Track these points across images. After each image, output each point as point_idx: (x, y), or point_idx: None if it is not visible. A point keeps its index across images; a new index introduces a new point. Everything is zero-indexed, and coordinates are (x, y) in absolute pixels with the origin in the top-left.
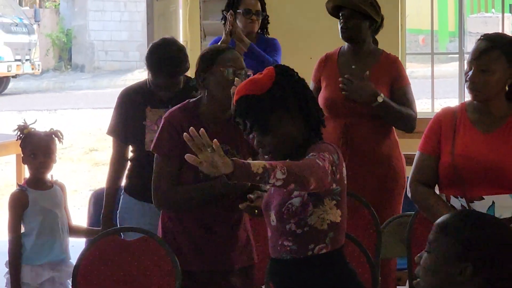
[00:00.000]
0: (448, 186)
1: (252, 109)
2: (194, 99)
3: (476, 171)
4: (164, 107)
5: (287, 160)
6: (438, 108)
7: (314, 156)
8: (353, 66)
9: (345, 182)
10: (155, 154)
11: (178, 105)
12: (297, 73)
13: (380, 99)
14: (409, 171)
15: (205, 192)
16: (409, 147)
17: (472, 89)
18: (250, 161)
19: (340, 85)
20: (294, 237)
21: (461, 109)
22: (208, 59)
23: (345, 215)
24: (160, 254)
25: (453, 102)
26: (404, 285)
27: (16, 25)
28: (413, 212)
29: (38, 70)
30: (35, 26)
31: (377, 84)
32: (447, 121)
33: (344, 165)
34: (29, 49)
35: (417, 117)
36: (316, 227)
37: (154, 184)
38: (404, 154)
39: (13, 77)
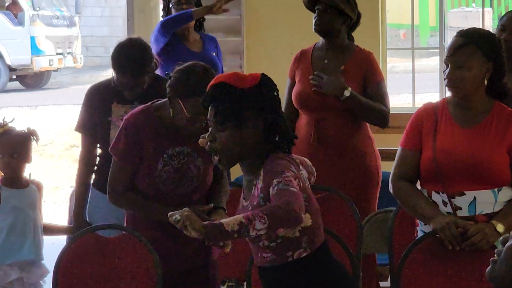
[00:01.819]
0: (429, 182)
1: (225, 97)
2: (159, 101)
3: (457, 167)
4: (130, 103)
5: (267, 204)
6: (419, 102)
7: (280, 183)
8: (326, 61)
9: (307, 183)
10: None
11: (141, 107)
12: (278, 90)
13: (347, 93)
14: (384, 166)
15: (147, 213)
16: (385, 142)
17: (450, 86)
18: (224, 220)
19: (311, 81)
20: (270, 250)
21: (442, 104)
22: (189, 91)
23: (316, 214)
24: (141, 251)
25: (434, 96)
26: (386, 280)
27: (57, 18)
28: (394, 208)
29: (80, 63)
30: (76, 18)
31: (350, 79)
32: (429, 116)
33: (301, 167)
34: (71, 42)
35: (398, 112)
36: (288, 236)
37: (109, 183)
38: (379, 149)
39: (54, 71)
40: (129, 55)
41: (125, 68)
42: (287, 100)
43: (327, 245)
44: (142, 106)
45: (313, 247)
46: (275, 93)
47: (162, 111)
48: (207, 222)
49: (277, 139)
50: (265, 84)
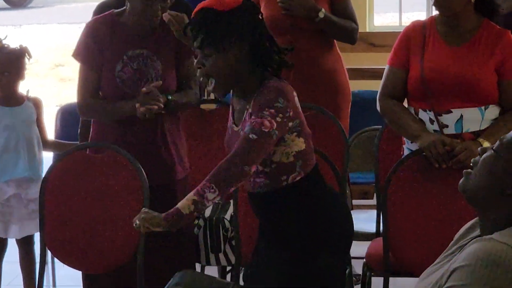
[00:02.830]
0: (416, 100)
1: (209, 22)
2: (119, 9)
3: (444, 84)
4: None
5: (216, 168)
6: (405, 21)
7: (251, 124)
8: None
9: (300, 109)
10: None
11: (103, 13)
12: (262, 13)
13: (321, 15)
14: (372, 85)
15: (114, 113)
16: (372, 61)
17: (437, 6)
18: (179, 204)
19: (279, 4)
20: (264, 174)
21: (430, 22)
22: None
23: (308, 138)
24: (128, 169)
25: (421, 15)
26: (372, 198)
27: None
28: (381, 126)
29: None
30: None
31: None
32: (417, 34)
33: (295, 93)
34: None
35: (385, 31)
36: (282, 162)
37: (77, 95)
38: (367, 68)
39: None
40: None
41: None
42: None
43: (318, 168)
44: (104, 13)
45: (306, 170)
46: (259, 16)
47: (123, 15)
48: (164, 214)
49: (263, 61)
50: (246, 7)
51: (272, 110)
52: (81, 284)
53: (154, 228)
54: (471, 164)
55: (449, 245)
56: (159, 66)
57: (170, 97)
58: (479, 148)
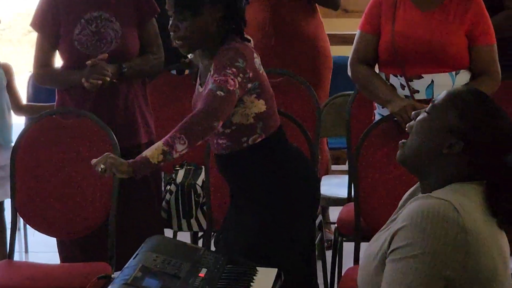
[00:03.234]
0: (387, 65)
1: None
2: None
3: (415, 50)
4: None
5: (184, 121)
6: None
7: (215, 82)
8: None
9: (262, 71)
10: None
11: None
12: None
13: None
14: (345, 51)
15: (65, 83)
16: (346, 27)
17: None
18: (147, 152)
19: None
20: (225, 136)
21: None
22: None
23: (270, 100)
24: (99, 134)
25: None
26: (344, 164)
27: None
28: (352, 92)
29: None
30: None
31: None
32: None
33: (256, 55)
34: None
35: None
36: (242, 123)
37: (33, 64)
38: (340, 34)
39: None
40: None
41: None
42: None
43: (282, 130)
44: None
45: (268, 132)
46: None
47: None
48: (131, 161)
49: (233, 27)
50: None
51: (234, 69)
52: (53, 250)
53: (119, 174)
54: (406, 129)
55: (394, 212)
56: (118, 28)
57: (124, 65)
58: (413, 113)
